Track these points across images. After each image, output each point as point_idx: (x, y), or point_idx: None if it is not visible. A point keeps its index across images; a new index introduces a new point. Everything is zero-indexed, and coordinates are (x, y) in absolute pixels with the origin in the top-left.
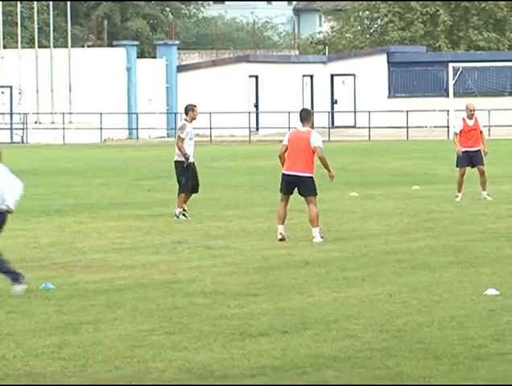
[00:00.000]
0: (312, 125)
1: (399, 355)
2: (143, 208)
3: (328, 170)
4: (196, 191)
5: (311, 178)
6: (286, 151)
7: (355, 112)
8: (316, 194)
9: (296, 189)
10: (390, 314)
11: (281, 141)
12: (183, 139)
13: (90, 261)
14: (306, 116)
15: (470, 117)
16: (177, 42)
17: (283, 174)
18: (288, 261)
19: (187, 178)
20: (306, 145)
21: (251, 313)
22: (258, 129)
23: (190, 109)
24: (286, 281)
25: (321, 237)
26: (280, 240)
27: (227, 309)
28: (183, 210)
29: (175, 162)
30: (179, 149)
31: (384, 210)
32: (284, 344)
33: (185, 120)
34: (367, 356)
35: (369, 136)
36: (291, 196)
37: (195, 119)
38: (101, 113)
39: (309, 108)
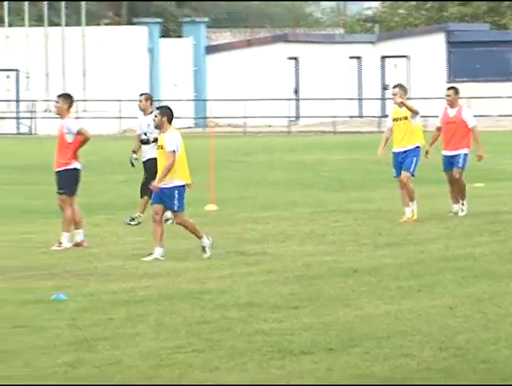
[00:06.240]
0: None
1: (461, 376)
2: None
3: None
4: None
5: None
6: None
7: (409, 99)
8: (69, 194)
9: None
10: (450, 329)
11: (324, 132)
12: (138, 135)
13: (107, 269)
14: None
15: None
16: (206, 19)
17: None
18: (333, 269)
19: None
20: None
21: (291, 328)
22: (298, 119)
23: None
24: (332, 291)
25: (67, 242)
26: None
27: (264, 323)
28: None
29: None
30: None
31: (442, 211)
32: (329, 363)
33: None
34: (424, 377)
35: (426, 126)
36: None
37: (145, 111)
38: (119, 100)
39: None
